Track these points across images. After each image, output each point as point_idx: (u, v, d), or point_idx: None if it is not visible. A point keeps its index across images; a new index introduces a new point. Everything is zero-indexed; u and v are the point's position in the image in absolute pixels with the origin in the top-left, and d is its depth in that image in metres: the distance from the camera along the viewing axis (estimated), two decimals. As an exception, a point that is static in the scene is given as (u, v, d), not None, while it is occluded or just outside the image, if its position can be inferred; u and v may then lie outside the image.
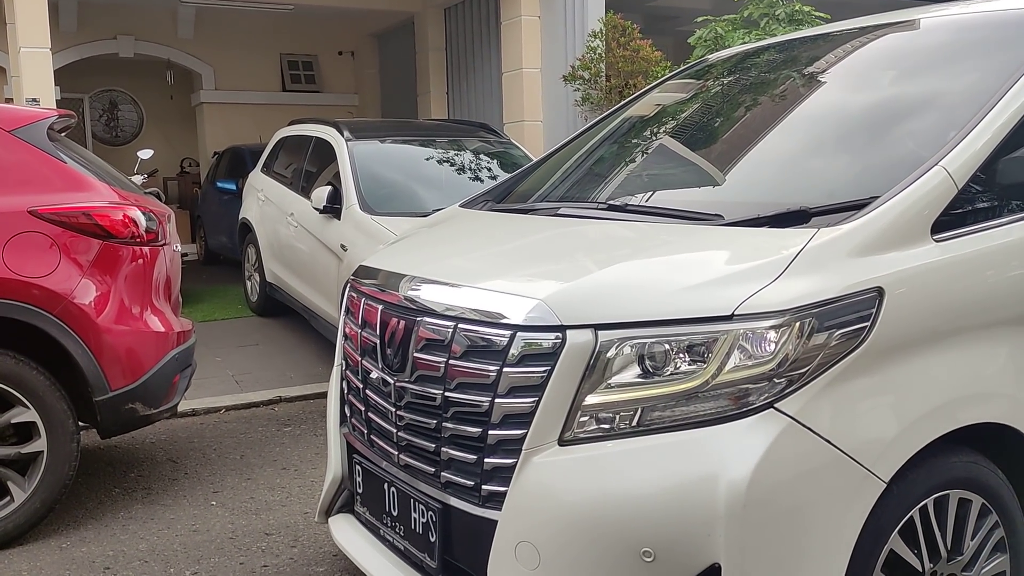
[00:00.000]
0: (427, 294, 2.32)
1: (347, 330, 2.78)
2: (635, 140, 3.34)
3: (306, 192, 6.84)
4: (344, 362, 2.83)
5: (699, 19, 7.28)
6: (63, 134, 4.23)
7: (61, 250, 3.52)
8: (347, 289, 2.85)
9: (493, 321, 2.07)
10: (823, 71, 2.89)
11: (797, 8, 6.92)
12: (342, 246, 5.82)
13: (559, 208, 2.76)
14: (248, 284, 8.16)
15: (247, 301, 8.28)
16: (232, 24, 12.70)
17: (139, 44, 12.39)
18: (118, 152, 14.36)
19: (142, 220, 3.74)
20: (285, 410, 5.74)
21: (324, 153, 6.76)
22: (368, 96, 13.77)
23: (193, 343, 4.14)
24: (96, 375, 3.56)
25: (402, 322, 2.35)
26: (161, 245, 3.87)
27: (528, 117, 9.81)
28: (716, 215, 2.24)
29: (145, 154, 9.12)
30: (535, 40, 9.73)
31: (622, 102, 3.56)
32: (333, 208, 6.00)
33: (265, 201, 7.57)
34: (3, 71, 11.08)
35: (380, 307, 2.48)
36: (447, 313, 2.20)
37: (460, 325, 2.14)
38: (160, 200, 4.34)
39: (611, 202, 2.68)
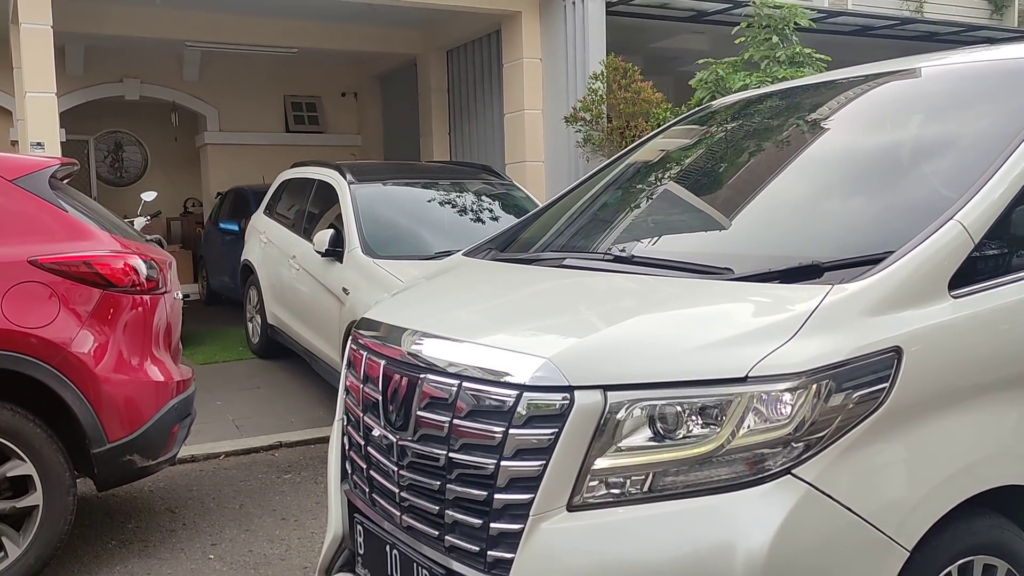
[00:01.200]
0: (430, 350, 2.27)
1: (348, 383, 2.72)
2: (640, 187, 3.31)
3: (308, 235, 6.83)
4: (345, 416, 2.77)
5: (700, 61, 7.31)
6: (66, 181, 4.22)
7: (61, 300, 3.48)
8: (349, 341, 2.80)
9: (498, 380, 2.02)
10: (830, 119, 2.86)
11: (798, 51, 6.95)
12: (344, 290, 5.79)
13: (564, 259, 2.72)
14: (249, 326, 8.11)
15: (248, 343, 8.23)
16: (236, 67, 12.82)
17: (145, 87, 12.49)
18: (122, 193, 14.41)
19: (143, 268, 3.71)
20: (285, 456, 5.66)
21: (326, 196, 6.75)
22: (371, 137, 13.85)
23: (193, 392, 4.08)
24: (94, 427, 3.49)
25: (405, 378, 2.29)
26: (162, 293, 3.83)
27: (530, 158, 9.84)
28: (725, 268, 2.20)
29: (148, 196, 9.13)
30: (537, 82, 9.80)
31: (626, 148, 3.54)
32: (335, 251, 5.97)
33: (267, 243, 7.56)
34: (9, 113, 11.15)
35: (382, 362, 2.43)
36: (451, 370, 2.15)
37: (464, 383, 2.09)
38: (162, 246, 4.30)
39: (617, 253, 2.64)
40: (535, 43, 9.75)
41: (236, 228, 10.09)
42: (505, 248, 3.22)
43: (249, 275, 7.97)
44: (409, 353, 2.32)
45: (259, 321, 7.80)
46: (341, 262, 5.94)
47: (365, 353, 2.57)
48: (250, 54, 12.04)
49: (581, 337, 2.04)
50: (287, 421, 6.23)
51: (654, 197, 3.15)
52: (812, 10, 7.51)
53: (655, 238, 2.79)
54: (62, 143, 11.90)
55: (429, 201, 6.53)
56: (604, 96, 8.52)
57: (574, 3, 9.24)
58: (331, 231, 6.01)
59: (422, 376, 2.22)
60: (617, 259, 2.57)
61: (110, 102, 12.59)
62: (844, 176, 2.62)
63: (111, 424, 3.53)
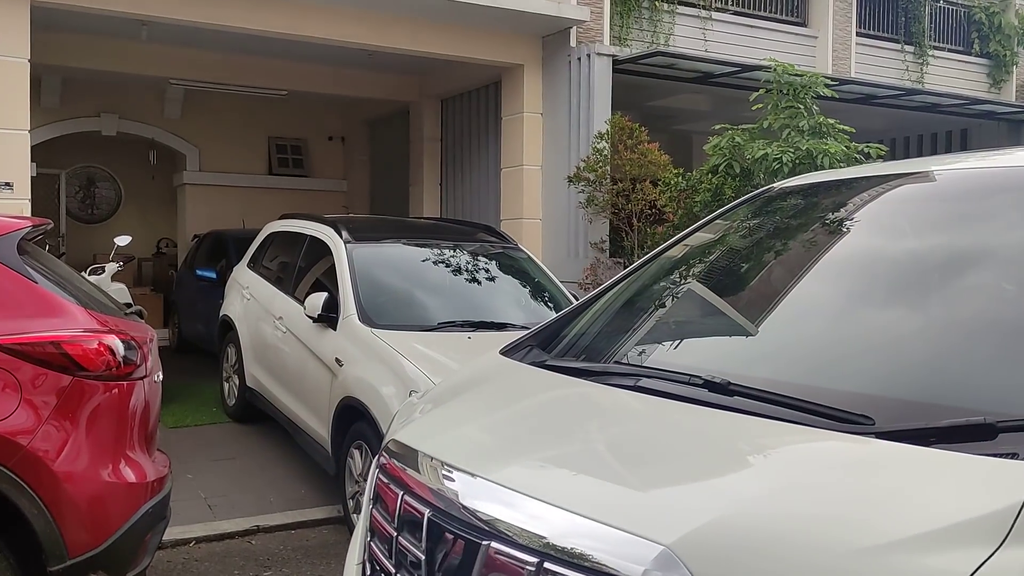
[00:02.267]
0: (496, 506, 1.80)
1: (376, 525, 2.23)
2: (710, 279, 2.88)
3: (296, 294, 6.33)
4: (369, 565, 2.27)
5: (717, 126, 7.01)
6: (35, 240, 3.71)
7: (21, 387, 2.96)
8: (376, 470, 2.32)
9: (598, 570, 1.55)
10: (949, 217, 2.45)
11: (821, 121, 6.67)
12: (337, 360, 5.29)
13: (638, 379, 2.27)
14: (226, 386, 7.55)
15: (223, 404, 7.65)
16: (220, 106, 12.38)
17: (123, 123, 12.00)
18: (92, 230, 13.81)
19: (120, 349, 3.20)
20: (263, 544, 5.10)
21: (319, 254, 6.28)
22: (357, 183, 13.43)
23: (169, 490, 3.55)
24: (53, 540, 2.95)
25: (459, 541, 1.82)
26: (140, 378, 3.32)
27: (527, 215, 9.47)
28: (863, 417, 1.76)
29: (122, 240, 8.58)
30: (537, 137, 9.47)
31: (686, 231, 3.11)
32: (328, 317, 5.49)
33: (250, 299, 7.04)
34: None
35: (427, 511, 1.95)
36: (527, 543, 1.68)
37: (547, 564, 1.62)
38: (141, 318, 3.79)
39: (707, 376, 2.19)
40: (536, 97, 9.44)
41: (214, 275, 9.56)
42: (550, 347, 2.77)
43: (228, 331, 7.43)
44: (465, 507, 1.85)
45: (237, 383, 7.25)
46: (335, 329, 5.46)
47: (401, 493, 2.09)
48: (234, 94, 11.61)
49: (705, 517, 1.58)
50: (266, 501, 5.67)
51: (741, 300, 2.71)
52: (824, 77, 7.26)
53: (751, 354, 2.35)
54: (32, 177, 11.37)
55: (430, 264, 6.08)
56: (609, 156, 8.19)
57: (579, 59, 8.96)
58: (324, 295, 5.53)
59: (485, 543, 1.75)
60: (709, 386, 2.12)
61: (85, 136, 12.06)
62: (999, 297, 2.15)
63: (74, 536, 2.99)
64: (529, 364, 2.63)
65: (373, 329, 5.22)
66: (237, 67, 10.43)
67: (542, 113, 9.46)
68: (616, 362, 2.49)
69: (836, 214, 2.80)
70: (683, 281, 2.94)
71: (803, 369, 2.17)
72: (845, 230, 2.68)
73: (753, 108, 6.98)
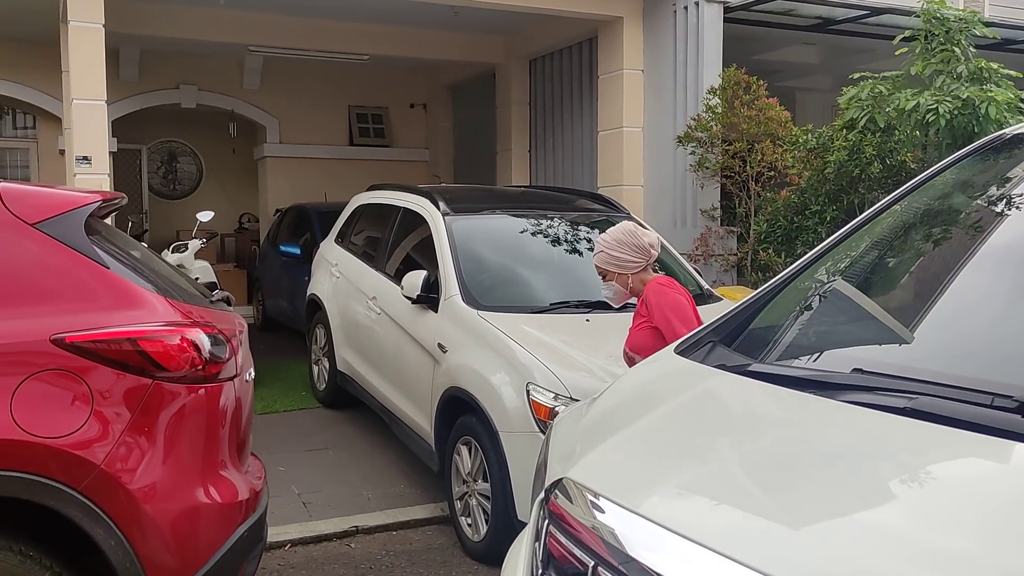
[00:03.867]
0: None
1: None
2: (960, 251, 2.17)
3: (390, 272, 5.81)
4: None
5: (855, 75, 6.17)
6: (108, 218, 3.23)
7: (94, 395, 2.48)
8: (543, 520, 1.72)
9: None
10: None
11: (982, 65, 5.77)
12: (440, 345, 4.74)
13: (913, 398, 1.59)
14: (315, 369, 7.12)
15: (312, 388, 7.23)
16: (300, 74, 11.95)
17: (202, 94, 11.68)
18: (174, 206, 13.64)
19: (206, 345, 2.69)
20: (363, 548, 4.63)
21: (414, 228, 5.73)
22: (440, 152, 12.88)
23: (266, 506, 3.04)
24: (133, 574, 2.47)
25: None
26: (230, 378, 2.80)
27: (628, 181, 8.76)
28: None
29: (204, 216, 8.22)
30: (638, 96, 8.72)
31: (901, 191, 2.40)
32: (429, 298, 4.93)
33: (339, 277, 6.56)
34: (58, 120, 10.38)
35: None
36: None
37: None
38: (229, 305, 3.27)
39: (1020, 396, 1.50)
40: (637, 52, 8.67)
41: (298, 251, 9.15)
42: (737, 343, 2.13)
43: (316, 311, 6.98)
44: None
45: (327, 366, 6.80)
46: (436, 311, 4.90)
47: (593, 564, 1.49)
48: (314, 61, 11.15)
49: None
50: (363, 497, 5.20)
51: (999, 271, 2.01)
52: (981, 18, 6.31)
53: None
54: (112, 153, 11.17)
55: (536, 236, 5.46)
56: (724, 113, 7.40)
57: (686, 8, 8.15)
58: (423, 273, 4.97)
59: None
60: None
61: (165, 110, 11.80)
62: None
63: (157, 569, 2.51)
64: (724, 370, 1.99)
65: (479, 311, 4.64)
66: (317, 32, 9.94)
67: (643, 70, 8.69)
68: (861, 370, 1.81)
69: None
70: (919, 254, 2.25)
71: None
72: None
73: (896, 53, 6.11)
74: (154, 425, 2.55)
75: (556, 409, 3.90)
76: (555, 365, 4.05)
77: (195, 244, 8.13)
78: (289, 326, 9.73)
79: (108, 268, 2.65)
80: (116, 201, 3.11)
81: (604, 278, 3.68)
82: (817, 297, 2.24)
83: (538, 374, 4.04)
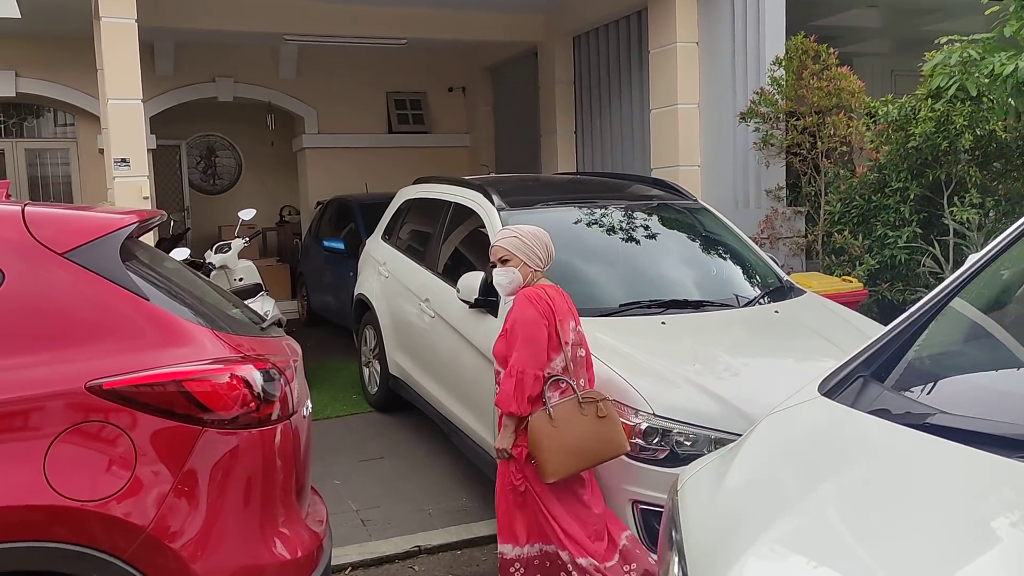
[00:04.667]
0: None
1: None
2: None
3: (443, 272, 5.48)
4: None
5: (941, 40, 5.65)
6: (143, 236, 2.94)
7: (137, 448, 2.18)
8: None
9: None
10: None
11: (1090, 23, 5.22)
12: (503, 353, 4.40)
13: None
14: (366, 371, 6.84)
15: (363, 391, 6.96)
16: (336, 62, 11.64)
17: (239, 87, 11.43)
18: (215, 201, 13.48)
19: (258, 382, 2.38)
20: (429, 570, 4.35)
21: (466, 224, 5.39)
22: (481, 136, 12.50)
23: (329, 556, 2.74)
24: (188, 649, 2.18)
25: None
26: (286, 417, 2.49)
27: (684, 161, 8.30)
28: None
29: (247, 214, 7.97)
30: (692, 70, 8.24)
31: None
32: (487, 302, 4.59)
33: (388, 277, 6.24)
34: (97, 119, 10.21)
35: None
36: None
37: None
38: (281, 326, 2.96)
39: None
40: (691, 24, 8.19)
41: (342, 246, 8.89)
42: (888, 379, 1.75)
43: (365, 311, 6.69)
44: None
45: (378, 369, 6.52)
46: (495, 316, 4.56)
47: None
48: (350, 48, 10.82)
49: None
50: (424, 513, 4.90)
51: None
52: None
53: None
54: (152, 150, 11.00)
55: (598, 230, 5.07)
56: (790, 85, 6.91)
57: (744, -26, 7.64)
58: (480, 275, 4.62)
59: None
60: None
61: (202, 104, 11.58)
62: None
63: (215, 642, 2.21)
64: (894, 420, 1.60)
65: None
66: (352, 17, 9.60)
67: (698, 42, 8.21)
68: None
69: None
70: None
71: None
72: None
73: (986, 13, 5.57)
74: (206, 478, 2.25)
75: (638, 427, 3.55)
76: (635, 378, 3.68)
77: (238, 243, 7.89)
78: (335, 322, 9.50)
79: (148, 299, 2.35)
80: (153, 220, 2.80)
81: (505, 262, 3.52)
82: (992, 321, 1.84)
83: (613, 388, 3.68)
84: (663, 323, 4.23)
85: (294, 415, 2.55)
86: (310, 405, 2.86)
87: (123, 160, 6.28)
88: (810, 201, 7.26)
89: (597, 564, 3.24)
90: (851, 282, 6.14)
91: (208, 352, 2.34)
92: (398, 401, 6.35)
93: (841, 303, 5.28)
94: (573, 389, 3.29)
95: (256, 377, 2.38)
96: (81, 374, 2.17)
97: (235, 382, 2.33)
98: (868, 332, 4.34)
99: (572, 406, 3.24)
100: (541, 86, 10.64)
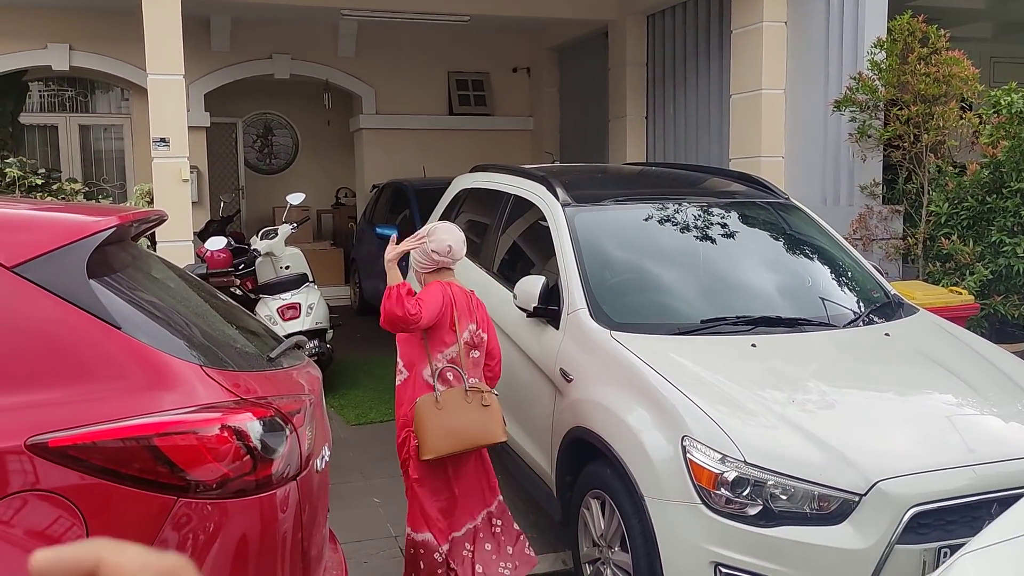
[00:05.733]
0: None
1: None
2: None
3: (499, 271, 4.93)
4: None
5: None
6: (142, 238, 2.44)
7: (88, 526, 1.68)
8: None
9: None
10: None
11: None
12: (563, 372, 3.84)
13: None
14: (413, 373, 6.33)
15: (411, 393, 6.45)
16: (397, 40, 11.15)
17: (296, 64, 11.02)
18: (270, 181, 13.17)
19: (255, 433, 1.86)
20: (473, 613, 3.80)
21: (527, 220, 4.83)
22: (545, 119, 11.88)
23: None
24: None
25: None
26: (293, 477, 1.98)
27: (766, 152, 7.59)
28: None
29: (295, 199, 7.54)
30: (779, 53, 7.50)
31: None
32: (548, 311, 4.03)
33: (440, 273, 5.71)
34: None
35: None
36: None
37: None
38: (300, 349, 2.44)
39: None
40: (779, 1, 7.44)
41: (396, 233, 8.39)
42: None
43: (414, 309, 6.17)
44: None
45: (426, 372, 6.01)
46: (556, 327, 4.00)
47: None
48: (411, 25, 10.30)
49: None
50: (471, 543, 4.37)
51: None
52: None
53: None
54: (207, 128, 10.68)
55: (676, 232, 4.46)
56: (894, 70, 6.15)
57: (843, -54, 6.87)
58: (540, 280, 4.05)
59: None
60: None
61: (259, 81, 11.22)
62: None
63: None
64: None
65: (612, 332, 3.71)
66: (413, -8, 9.09)
67: (786, 22, 7.46)
68: None
69: None
70: None
71: None
72: None
73: None
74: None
75: (725, 475, 2.96)
76: (722, 414, 3.09)
77: (285, 229, 7.47)
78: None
79: (119, 327, 1.84)
80: (147, 222, 2.30)
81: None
82: None
83: (698, 426, 3.09)
84: (753, 345, 3.61)
85: (304, 471, 2.04)
86: (328, 453, 2.34)
87: (162, 140, 5.88)
88: (909, 199, 6.50)
89: (434, 541, 3.44)
90: (960, 294, 5.41)
91: (195, 396, 1.84)
92: (447, 408, 5.84)
93: (948, 317, 4.57)
94: (462, 379, 3.46)
95: (253, 429, 1.87)
96: (21, 428, 1.68)
97: (225, 435, 1.82)
98: (999, 363, 3.65)
99: (458, 393, 3.44)
100: (611, 68, 9.97)
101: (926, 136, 6.08)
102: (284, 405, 2.00)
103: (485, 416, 3.45)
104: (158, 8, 5.87)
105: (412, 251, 3.63)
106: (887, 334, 3.83)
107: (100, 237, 1.93)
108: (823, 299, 4.14)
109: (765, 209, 4.71)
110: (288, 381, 2.18)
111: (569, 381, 3.78)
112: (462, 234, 3.72)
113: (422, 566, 3.48)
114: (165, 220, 2.47)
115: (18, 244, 1.84)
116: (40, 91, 10.59)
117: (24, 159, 9.25)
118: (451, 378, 3.46)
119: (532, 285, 4.06)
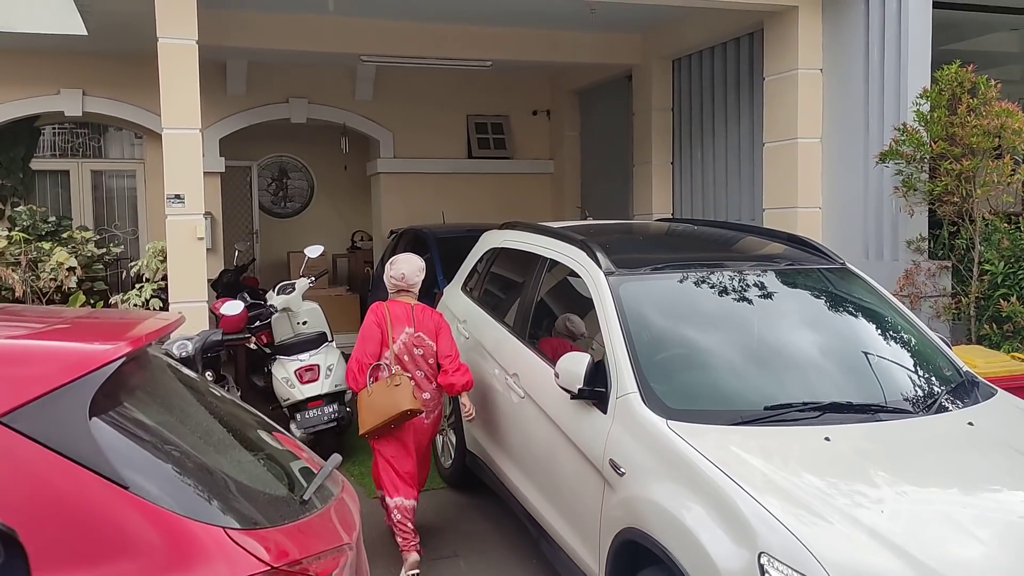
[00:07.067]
0: None
1: None
2: None
3: (536, 343, 4.61)
4: None
5: None
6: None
7: None
8: None
9: None
10: None
11: None
12: (613, 464, 3.50)
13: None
14: (439, 440, 6.00)
15: (436, 462, 6.11)
16: (415, 84, 10.94)
17: (312, 108, 10.82)
18: (285, 225, 12.95)
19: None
20: None
21: (566, 287, 4.53)
22: (566, 163, 11.62)
23: None
24: None
25: None
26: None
27: (803, 203, 7.30)
28: None
29: (313, 251, 7.29)
30: (815, 101, 7.23)
31: None
32: (595, 392, 3.70)
33: (468, 338, 5.40)
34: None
35: None
36: None
37: None
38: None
39: None
40: (815, 48, 7.19)
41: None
42: None
43: (440, 373, 5.85)
44: None
45: (453, 440, 5.70)
46: (604, 411, 3.66)
47: None
48: (430, 69, 10.10)
49: None
50: (506, 642, 4.01)
51: None
52: None
53: None
54: (221, 173, 10.45)
55: (732, 302, 4.13)
56: (942, 122, 5.85)
57: (882, -8, 6.62)
58: (586, 359, 3.73)
59: None
60: None
61: (275, 125, 11.02)
62: None
63: None
64: None
65: (668, 421, 3.37)
66: (434, 38, 8.87)
67: (823, 69, 7.20)
68: None
69: None
70: None
71: None
72: None
73: None
74: None
75: (810, 602, 2.60)
76: (806, 530, 2.73)
77: (303, 283, 7.19)
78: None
79: (126, 487, 1.52)
80: (160, 335, 1.99)
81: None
82: None
83: (776, 541, 2.74)
84: (827, 439, 3.26)
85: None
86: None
87: (177, 196, 5.62)
88: (956, 255, 6.16)
89: (402, 502, 4.56)
90: (1023, 361, 5.06)
91: (218, 568, 1.50)
92: (473, 479, 5.51)
93: (1013, 387, 4.24)
94: (390, 372, 4.46)
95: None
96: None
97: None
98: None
99: (383, 383, 4.43)
100: (636, 112, 9.72)
101: (978, 191, 5.76)
102: (323, 568, 1.67)
103: (395, 393, 4.36)
104: (175, 59, 5.64)
105: (384, 277, 4.89)
106: (970, 423, 3.48)
107: (107, 371, 1.62)
108: (895, 380, 3.80)
109: (821, 276, 4.38)
110: (324, 529, 1.85)
111: (621, 475, 3.44)
112: (418, 262, 4.86)
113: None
114: (181, 322, 2.17)
115: (4, 387, 1.52)
116: (52, 135, 10.40)
117: (34, 207, 9.04)
118: (382, 375, 4.46)
119: (577, 364, 3.73)
